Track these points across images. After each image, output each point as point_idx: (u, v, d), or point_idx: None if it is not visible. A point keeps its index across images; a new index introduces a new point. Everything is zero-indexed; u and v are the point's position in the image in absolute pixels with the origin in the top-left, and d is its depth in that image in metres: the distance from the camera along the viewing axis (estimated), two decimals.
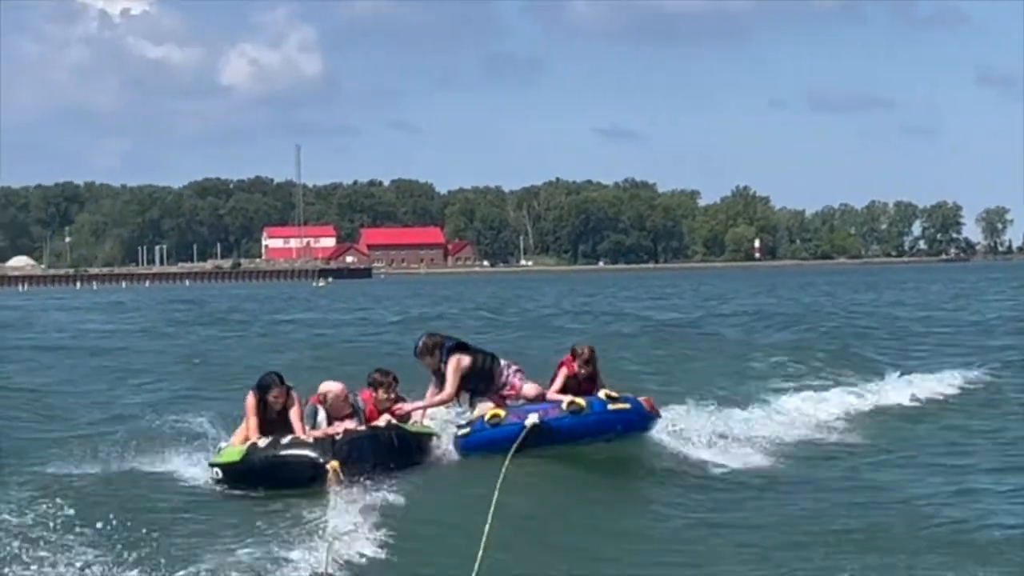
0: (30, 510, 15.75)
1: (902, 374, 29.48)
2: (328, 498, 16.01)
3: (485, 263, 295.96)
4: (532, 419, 17.95)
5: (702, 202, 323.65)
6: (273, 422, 18.04)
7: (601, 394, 18.55)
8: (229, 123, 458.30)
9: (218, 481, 17.73)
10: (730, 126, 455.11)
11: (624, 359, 35.12)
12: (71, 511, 15.24)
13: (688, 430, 21.38)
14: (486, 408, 18.94)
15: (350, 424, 18.03)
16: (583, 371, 18.86)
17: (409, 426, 18.48)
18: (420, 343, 19.26)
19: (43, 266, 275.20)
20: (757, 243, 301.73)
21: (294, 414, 18.05)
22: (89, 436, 22.55)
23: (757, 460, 19.99)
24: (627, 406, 18.46)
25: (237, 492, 17.36)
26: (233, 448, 18.04)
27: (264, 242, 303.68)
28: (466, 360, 18.81)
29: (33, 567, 13.12)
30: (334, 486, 16.54)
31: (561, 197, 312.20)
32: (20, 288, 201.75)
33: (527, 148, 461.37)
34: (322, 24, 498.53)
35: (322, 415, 18.29)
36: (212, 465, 18.08)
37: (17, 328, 66.09)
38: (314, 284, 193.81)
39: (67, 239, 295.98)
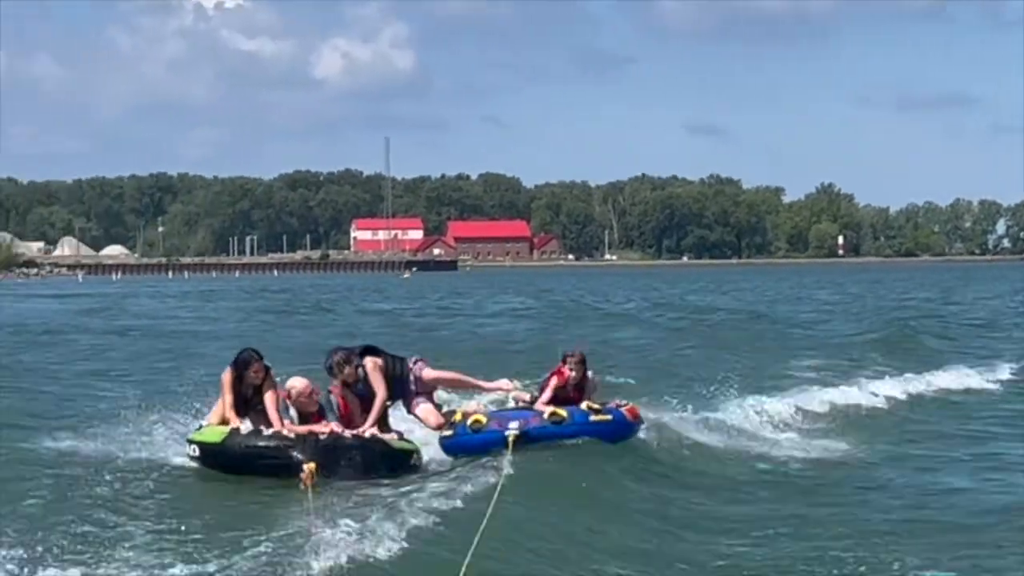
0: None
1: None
2: (307, 498, 15.50)
3: (570, 257, 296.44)
4: (513, 430, 18.01)
5: (786, 199, 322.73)
6: (248, 400, 18.00)
7: (583, 405, 18.60)
8: (320, 116, 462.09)
9: (194, 459, 17.72)
10: (816, 124, 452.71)
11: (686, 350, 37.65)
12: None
13: (765, 415, 23.08)
14: (470, 408, 19.39)
15: (327, 424, 17.84)
16: (575, 377, 18.90)
17: (392, 442, 18.24)
18: (333, 360, 18.70)
19: (136, 255, 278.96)
20: (840, 240, 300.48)
21: (269, 398, 17.95)
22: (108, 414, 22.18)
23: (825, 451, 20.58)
24: (608, 418, 18.53)
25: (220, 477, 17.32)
26: (214, 428, 17.90)
27: (353, 234, 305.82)
28: (380, 360, 18.72)
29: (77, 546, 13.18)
30: (308, 485, 16.23)
31: (646, 192, 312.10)
32: (114, 276, 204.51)
33: (614, 143, 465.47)
34: (414, 20, 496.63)
35: (293, 411, 18.12)
36: (191, 442, 17.94)
37: (108, 314, 69.57)
38: (403, 276, 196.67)
39: (160, 229, 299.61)
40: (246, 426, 17.57)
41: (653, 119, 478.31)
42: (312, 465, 16.46)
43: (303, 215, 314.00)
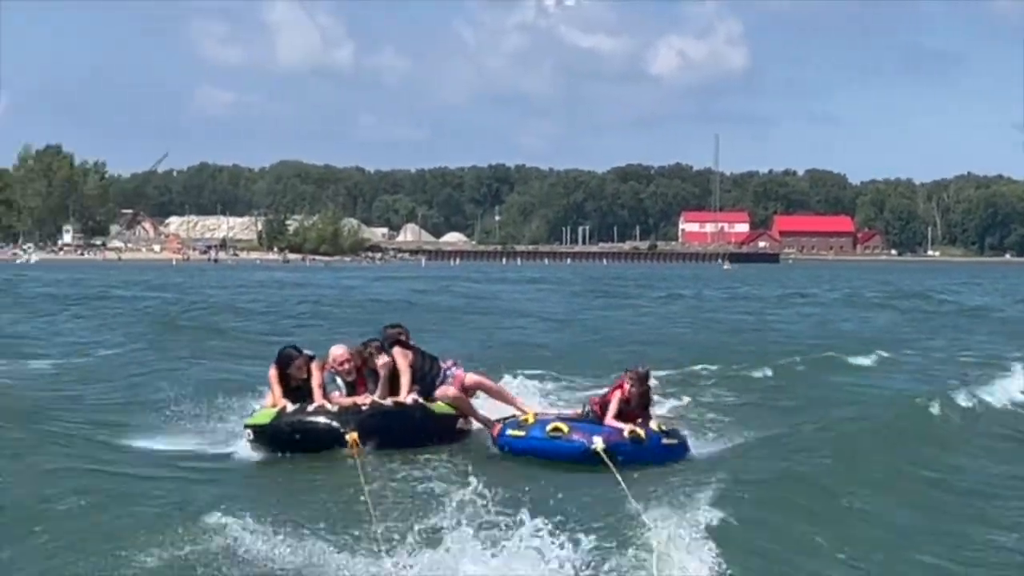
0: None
1: None
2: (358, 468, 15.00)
3: (893, 252, 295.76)
4: (598, 443, 17.51)
5: None
6: (297, 390, 18.44)
7: (653, 425, 18.33)
8: (653, 111, 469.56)
9: (250, 441, 18.00)
10: None
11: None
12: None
13: None
14: (545, 415, 18.88)
15: (367, 396, 18.10)
16: (636, 393, 18.36)
17: (435, 406, 18.43)
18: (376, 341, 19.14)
19: (474, 242, 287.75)
20: None
21: (315, 382, 18.34)
22: None
23: None
24: (675, 442, 18.35)
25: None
26: (265, 411, 18.38)
27: (681, 226, 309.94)
28: (409, 353, 18.84)
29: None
30: (354, 454, 16.30)
31: (971, 191, 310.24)
32: (452, 262, 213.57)
33: (939, 142, 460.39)
34: (748, 17, 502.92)
35: (340, 380, 18.46)
36: (246, 426, 18.30)
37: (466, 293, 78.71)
38: (724, 267, 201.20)
39: (497, 217, 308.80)
40: (292, 407, 18.02)
41: (980, 118, 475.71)
42: (354, 435, 16.82)
43: (633, 207, 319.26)
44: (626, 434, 17.75)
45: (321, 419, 17.61)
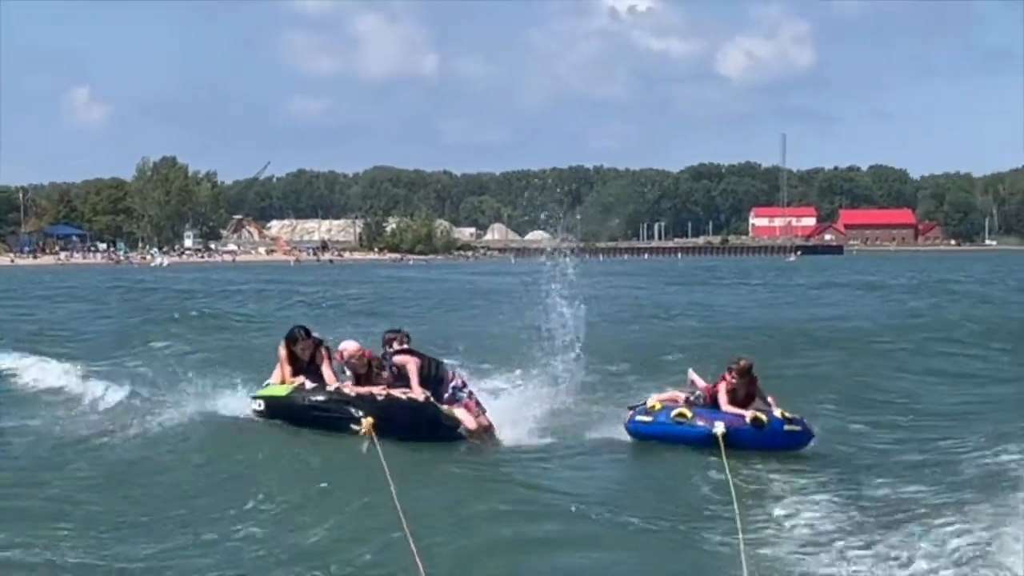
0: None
1: None
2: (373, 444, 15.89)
3: (952, 242, 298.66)
4: (720, 428, 17.66)
5: None
6: (303, 370, 18.65)
7: (777, 412, 18.27)
8: (723, 111, 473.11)
9: (257, 412, 18.42)
10: None
11: None
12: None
13: None
14: (664, 399, 19.26)
15: (383, 387, 18.26)
16: (740, 383, 18.46)
17: (443, 408, 18.58)
18: (386, 337, 19.63)
19: (557, 240, 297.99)
20: None
21: (325, 365, 18.60)
22: None
23: None
24: (798, 428, 18.28)
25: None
26: (279, 385, 18.60)
27: (751, 221, 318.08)
28: (417, 359, 19.00)
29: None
30: (369, 434, 16.77)
31: None
32: (541, 258, 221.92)
33: (997, 136, 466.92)
34: (814, 18, 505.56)
35: (349, 371, 18.58)
36: (255, 398, 18.71)
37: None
38: (789, 259, 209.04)
39: (577, 216, 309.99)
40: (311, 384, 18.33)
41: None
42: (370, 420, 17.08)
43: (706, 204, 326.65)
44: (748, 419, 18.04)
45: (340, 401, 18.00)
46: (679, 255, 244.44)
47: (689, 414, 18.51)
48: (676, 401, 19.25)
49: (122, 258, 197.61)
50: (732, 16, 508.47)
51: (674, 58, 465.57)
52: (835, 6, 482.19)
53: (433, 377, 18.90)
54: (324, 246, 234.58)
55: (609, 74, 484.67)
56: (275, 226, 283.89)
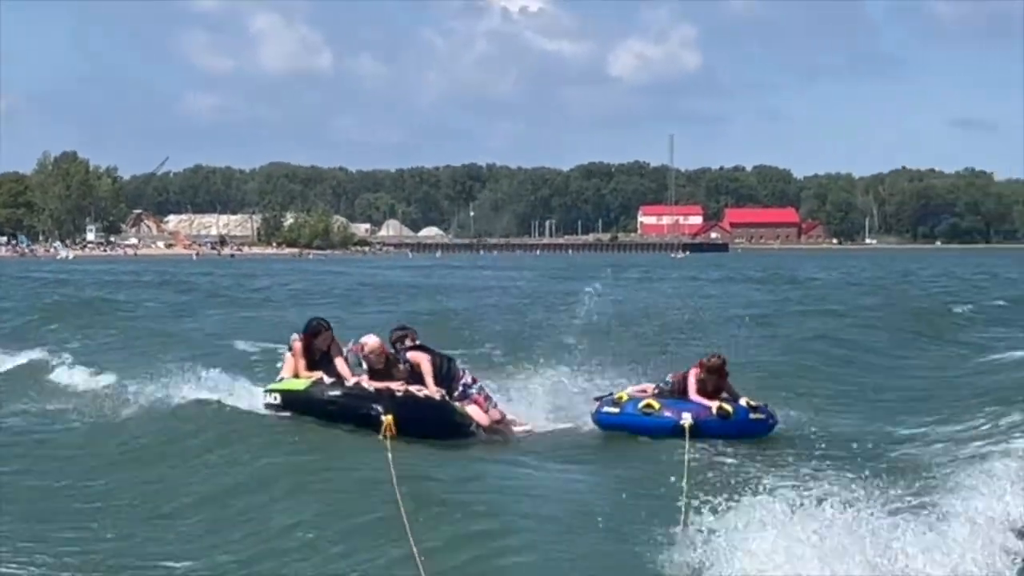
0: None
1: None
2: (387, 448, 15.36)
3: (834, 241, 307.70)
4: (687, 419, 17.66)
5: None
6: (318, 363, 18.60)
7: (742, 401, 18.34)
8: (613, 111, 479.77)
9: (271, 406, 18.39)
10: None
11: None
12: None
13: None
14: (634, 392, 19.18)
15: (402, 384, 18.07)
16: (710, 378, 18.45)
17: (459, 407, 18.51)
18: (395, 335, 19.42)
19: (450, 236, 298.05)
20: None
21: (339, 360, 18.55)
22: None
23: None
24: (763, 416, 18.38)
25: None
26: (296, 379, 18.51)
27: (640, 219, 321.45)
28: (429, 356, 18.90)
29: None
30: (388, 435, 16.54)
31: (904, 184, 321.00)
32: (436, 254, 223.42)
33: (879, 138, 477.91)
34: (702, 21, 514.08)
35: (365, 365, 18.44)
36: (270, 391, 18.59)
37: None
38: (673, 256, 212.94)
39: (471, 213, 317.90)
40: (329, 379, 18.30)
41: (915, 115, 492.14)
42: (390, 417, 17.08)
43: (596, 202, 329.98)
44: (714, 411, 17.99)
45: (360, 397, 17.83)
46: (569, 251, 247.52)
47: (656, 405, 18.58)
48: (645, 392, 19.31)
49: (26, 251, 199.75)
50: (623, 18, 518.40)
51: (566, 59, 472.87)
52: (724, 10, 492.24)
53: (445, 374, 18.90)
54: (223, 241, 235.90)
55: (502, 74, 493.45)
56: (173, 220, 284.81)
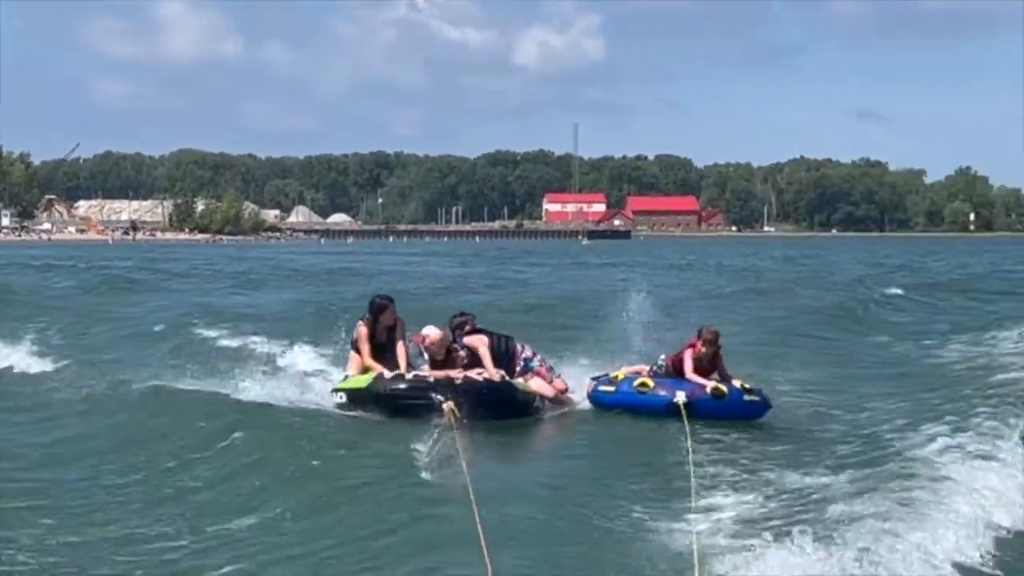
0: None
1: None
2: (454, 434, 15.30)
3: (733, 228, 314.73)
4: (681, 397, 17.80)
5: (928, 180, 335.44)
6: (383, 345, 18.76)
7: (737, 383, 18.36)
8: (518, 100, 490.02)
9: (339, 405, 18.28)
10: (961, 110, 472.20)
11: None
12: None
13: None
14: (632, 371, 19.23)
15: (460, 371, 18.16)
16: (708, 352, 18.52)
17: (520, 386, 18.46)
18: (455, 322, 19.40)
19: (359, 222, 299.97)
20: (972, 216, 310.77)
21: (400, 348, 18.74)
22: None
23: None
24: (757, 399, 18.31)
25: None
26: (359, 376, 18.58)
27: (545, 206, 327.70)
28: (486, 338, 18.88)
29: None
30: (452, 421, 16.50)
31: (802, 173, 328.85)
32: (347, 240, 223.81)
33: (777, 128, 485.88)
34: (605, 12, 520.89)
35: (426, 355, 18.46)
36: (337, 390, 18.57)
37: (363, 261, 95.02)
38: (583, 242, 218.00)
39: (379, 200, 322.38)
40: (389, 373, 18.25)
41: (812, 106, 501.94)
42: (452, 404, 17.06)
43: (502, 189, 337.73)
44: (708, 390, 18.14)
45: (421, 388, 17.89)
46: (477, 238, 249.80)
47: (652, 384, 18.60)
48: (640, 372, 19.32)
49: None
50: (527, 8, 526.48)
51: (471, 48, 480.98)
52: (623, 1, 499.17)
53: (504, 353, 18.97)
54: (134, 226, 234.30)
55: (409, 62, 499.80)
56: (83, 206, 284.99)
